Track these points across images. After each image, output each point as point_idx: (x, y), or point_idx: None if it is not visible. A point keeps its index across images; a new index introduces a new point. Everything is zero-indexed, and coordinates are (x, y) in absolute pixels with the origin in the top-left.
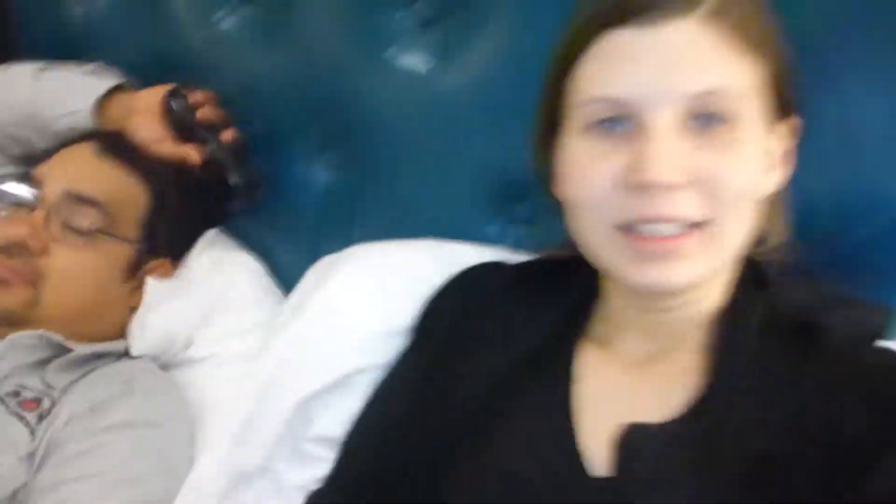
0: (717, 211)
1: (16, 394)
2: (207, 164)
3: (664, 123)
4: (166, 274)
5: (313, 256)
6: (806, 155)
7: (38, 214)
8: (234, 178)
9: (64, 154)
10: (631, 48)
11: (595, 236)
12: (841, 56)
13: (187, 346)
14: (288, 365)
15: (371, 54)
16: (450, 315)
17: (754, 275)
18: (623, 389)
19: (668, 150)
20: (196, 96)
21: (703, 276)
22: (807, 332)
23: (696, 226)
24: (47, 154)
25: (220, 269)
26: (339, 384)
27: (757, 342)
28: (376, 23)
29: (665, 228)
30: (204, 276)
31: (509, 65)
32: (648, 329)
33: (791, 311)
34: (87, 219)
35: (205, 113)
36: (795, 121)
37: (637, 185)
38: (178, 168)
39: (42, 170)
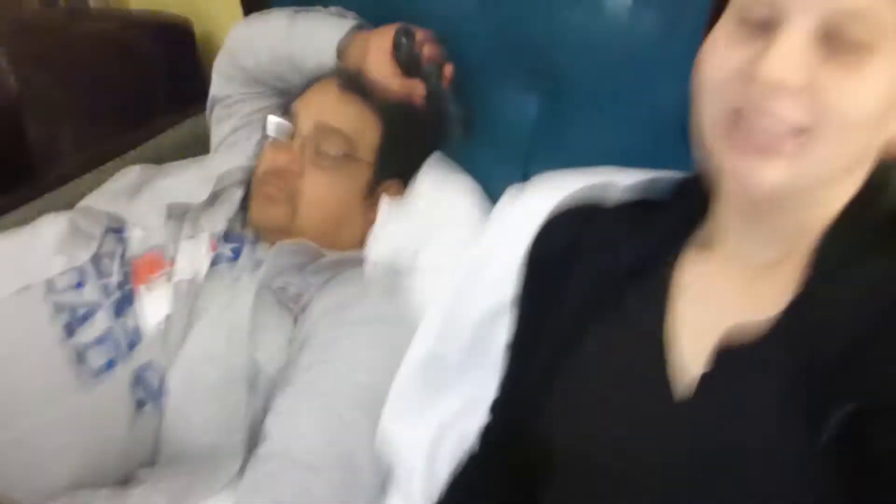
0: (821, 126)
1: (283, 289)
2: (430, 96)
3: (798, 28)
4: (398, 193)
5: (524, 179)
6: None
7: (296, 142)
8: (453, 110)
9: (314, 90)
10: None
11: (709, 120)
12: None
13: (415, 256)
14: (469, 281)
15: None
16: (552, 245)
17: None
18: (728, 295)
19: (793, 53)
20: (419, 35)
21: (794, 184)
22: None
23: (797, 132)
24: (301, 88)
25: (442, 190)
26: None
27: (860, 248)
28: None
29: (770, 126)
30: (429, 197)
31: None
32: (757, 236)
33: None
34: (334, 146)
35: (428, 51)
36: None
37: (755, 77)
38: (406, 100)
39: (297, 104)
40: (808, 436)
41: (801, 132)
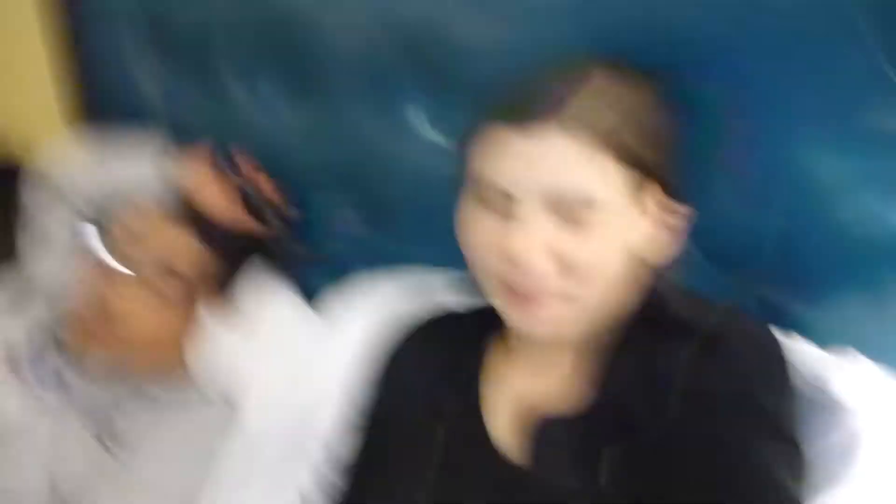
0: (580, 290)
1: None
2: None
3: (530, 209)
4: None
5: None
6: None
7: (131, 279)
8: (296, 250)
9: (144, 218)
10: (508, 145)
11: (485, 283)
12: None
13: (248, 384)
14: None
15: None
16: (389, 363)
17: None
18: (526, 389)
19: (531, 231)
20: (244, 164)
21: (567, 332)
22: (698, 340)
23: (567, 298)
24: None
25: (264, 304)
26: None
27: (641, 348)
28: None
29: (537, 291)
30: (252, 311)
31: None
32: (539, 348)
33: (681, 321)
34: (174, 287)
35: (271, 197)
36: (676, 204)
37: (510, 259)
38: (243, 235)
39: (121, 230)
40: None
41: (571, 299)
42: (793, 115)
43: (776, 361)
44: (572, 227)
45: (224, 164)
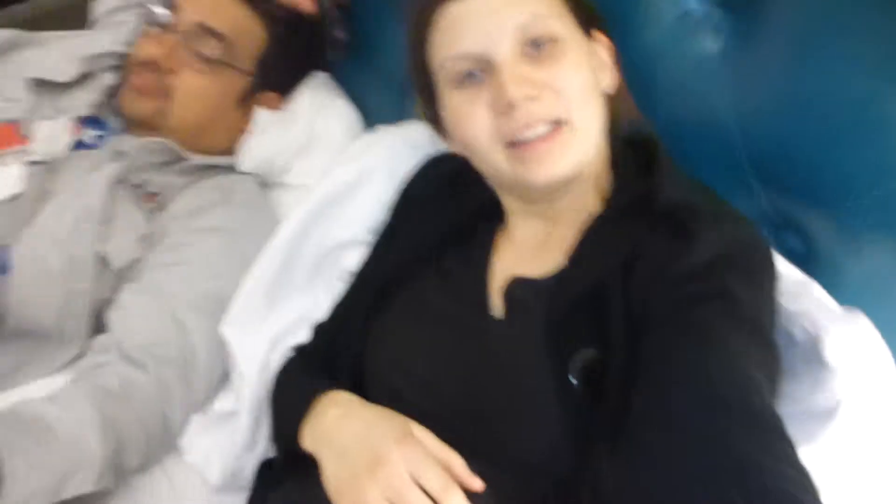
0: (568, 109)
1: (141, 186)
2: (319, 15)
3: (505, 55)
4: (274, 106)
5: (400, 110)
6: None
7: (172, 38)
8: (337, 32)
9: None
10: (462, 13)
11: (494, 159)
12: None
13: (284, 171)
14: (325, 209)
15: None
16: (405, 199)
17: (643, 159)
18: (519, 261)
19: (515, 74)
20: None
21: (577, 166)
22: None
23: (558, 124)
24: None
25: (319, 110)
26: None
27: (617, 225)
28: None
29: (538, 130)
30: (305, 115)
31: None
32: (538, 216)
33: (667, 208)
34: (213, 49)
35: None
36: (604, 36)
37: (503, 108)
38: (293, 14)
39: None
40: (558, 371)
41: (561, 123)
42: None
43: (758, 263)
44: (545, 59)
45: None
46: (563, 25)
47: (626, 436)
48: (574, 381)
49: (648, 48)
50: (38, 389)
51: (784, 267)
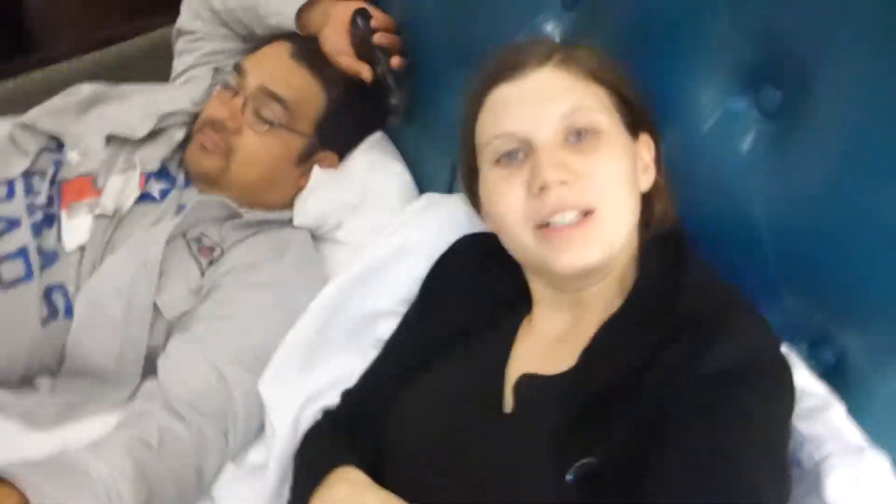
0: (600, 198)
1: (198, 239)
2: (375, 81)
3: (546, 140)
4: (332, 165)
5: (453, 177)
6: None
7: (238, 101)
8: (393, 99)
9: (266, 50)
10: (511, 96)
11: (522, 239)
12: None
13: (337, 228)
14: (366, 276)
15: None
16: (438, 276)
17: (670, 257)
18: (538, 354)
19: (553, 158)
20: (378, 19)
21: (602, 257)
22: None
23: (588, 213)
24: (257, 44)
25: (374, 170)
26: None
27: (632, 328)
28: None
29: (567, 216)
30: (360, 174)
31: None
32: (563, 307)
33: (678, 322)
34: (273, 112)
35: (382, 37)
36: (652, 136)
37: (537, 189)
38: (352, 80)
39: (248, 61)
40: (556, 475)
41: (591, 212)
42: None
43: (774, 378)
44: (585, 149)
45: (359, 18)
46: (607, 120)
47: None
48: (571, 482)
49: (687, 145)
50: (91, 427)
51: (808, 382)
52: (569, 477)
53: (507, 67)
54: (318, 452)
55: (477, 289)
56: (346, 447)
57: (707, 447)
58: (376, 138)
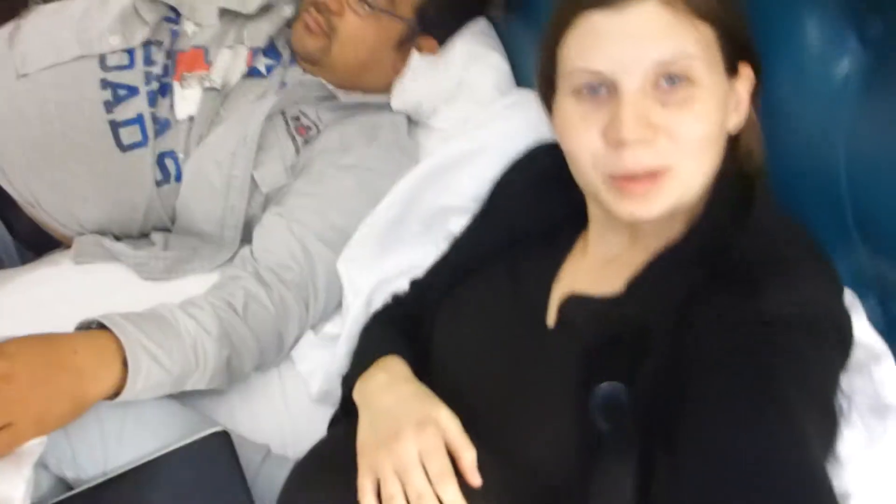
0: (679, 158)
1: (296, 118)
2: None
3: (633, 89)
4: (431, 50)
5: None
6: None
7: None
8: None
9: None
10: (604, 28)
11: (590, 179)
12: None
13: (432, 114)
14: (443, 171)
15: None
16: (503, 185)
17: (745, 193)
18: (587, 274)
19: (636, 112)
20: None
21: (671, 208)
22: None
23: (663, 170)
24: None
25: (473, 60)
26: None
27: (684, 265)
28: None
29: (643, 176)
30: (458, 63)
31: None
32: (618, 230)
33: (733, 265)
34: None
35: None
36: (751, 69)
37: (614, 142)
38: None
39: None
40: (582, 395)
41: (667, 169)
42: None
43: (830, 331)
44: (675, 99)
45: None
46: (706, 68)
47: (674, 476)
48: (594, 411)
49: (775, 71)
50: (192, 283)
51: (864, 333)
52: (593, 397)
53: None
54: (374, 338)
55: (536, 201)
56: (400, 336)
57: (757, 388)
58: (480, 27)
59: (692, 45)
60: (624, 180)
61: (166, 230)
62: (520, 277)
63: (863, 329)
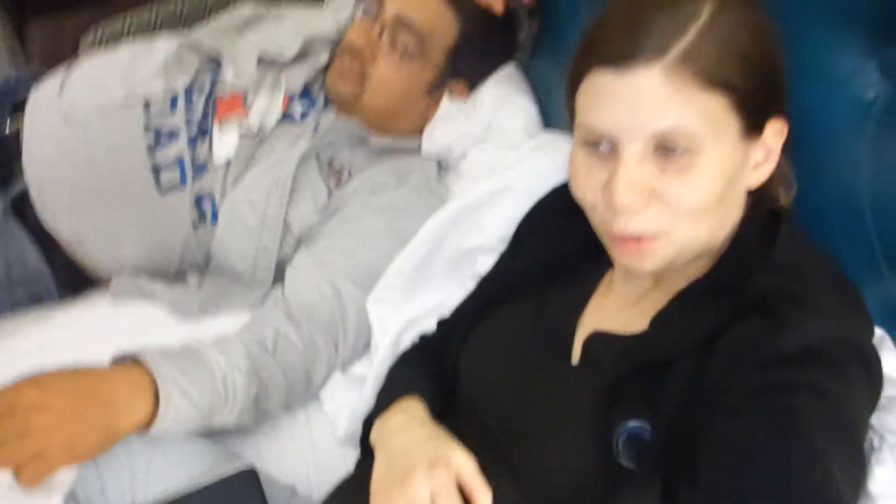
0: (674, 224)
1: (329, 161)
2: (506, 15)
3: (632, 153)
4: (461, 95)
5: None
6: None
7: (375, 28)
8: (522, 32)
9: None
10: (608, 89)
11: (595, 227)
12: None
13: (461, 158)
14: (471, 212)
15: None
16: (531, 220)
17: (770, 228)
18: (613, 313)
19: (631, 178)
20: None
21: (667, 264)
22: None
23: (661, 233)
24: None
25: (502, 104)
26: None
27: (708, 299)
28: None
29: (633, 233)
30: (488, 107)
31: None
32: (632, 281)
33: (755, 299)
34: (406, 40)
35: None
36: (780, 121)
37: (609, 206)
38: (484, 11)
39: None
40: (604, 433)
41: (660, 234)
42: None
43: (855, 364)
44: (673, 167)
45: None
46: (712, 138)
47: None
48: (616, 448)
49: (798, 105)
50: (225, 322)
51: (894, 370)
52: (617, 434)
53: (616, 50)
54: (396, 379)
55: (564, 237)
56: (423, 377)
57: (778, 427)
58: (508, 72)
59: (695, 117)
60: (620, 239)
61: (201, 270)
62: (545, 312)
63: (894, 366)
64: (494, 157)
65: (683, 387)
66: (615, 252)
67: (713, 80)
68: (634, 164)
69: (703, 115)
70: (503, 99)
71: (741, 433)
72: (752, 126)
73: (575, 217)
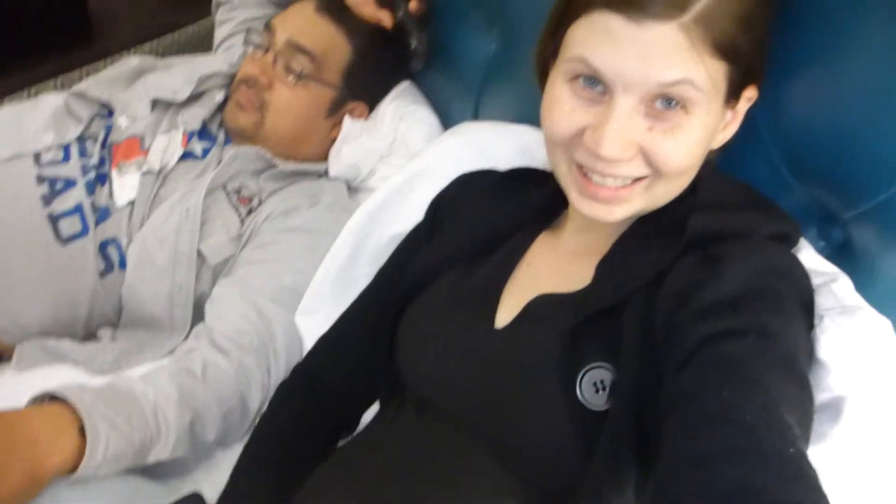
0: (656, 173)
1: (237, 191)
2: (396, 28)
3: (626, 106)
4: (362, 114)
5: (475, 112)
6: None
7: (268, 57)
8: (413, 43)
9: (293, 7)
10: (618, 33)
11: (558, 164)
12: None
13: (369, 175)
14: (386, 207)
15: None
16: (435, 210)
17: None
18: (554, 277)
19: (621, 130)
20: None
21: (635, 214)
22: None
23: (636, 180)
24: (285, 4)
25: (402, 117)
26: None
27: (646, 245)
28: None
29: (610, 181)
30: (389, 122)
31: None
32: (587, 228)
33: (691, 237)
34: (301, 64)
35: None
36: (754, 88)
37: (592, 150)
38: (374, 28)
39: (276, 19)
40: (566, 382)
41: (639, 180)
42: None
43: (792, 292)
44: (663, 126)
45: None
46: (704, 101)
47: (657, 478)
48: (582, 395)
49: None
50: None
51: (816, 262)
52: (579, 392)
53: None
54: (242, 472)
55: (486, 216)
56: (272, 473)
57: (728, 377)
58: (404, 86)
59: (699, 77)
60: (591, 183)
61: (113, 324)
62: (473, 284)
63: (815, 260)
64: (400, 168)
65: (638, 328)
66: (581, 199)
67: (721, 45)
68: (626, 116)
69: (707, 77)
70: (403, 111)
71: (695, 390)
72: (735, 93)
73: (496, 197)
